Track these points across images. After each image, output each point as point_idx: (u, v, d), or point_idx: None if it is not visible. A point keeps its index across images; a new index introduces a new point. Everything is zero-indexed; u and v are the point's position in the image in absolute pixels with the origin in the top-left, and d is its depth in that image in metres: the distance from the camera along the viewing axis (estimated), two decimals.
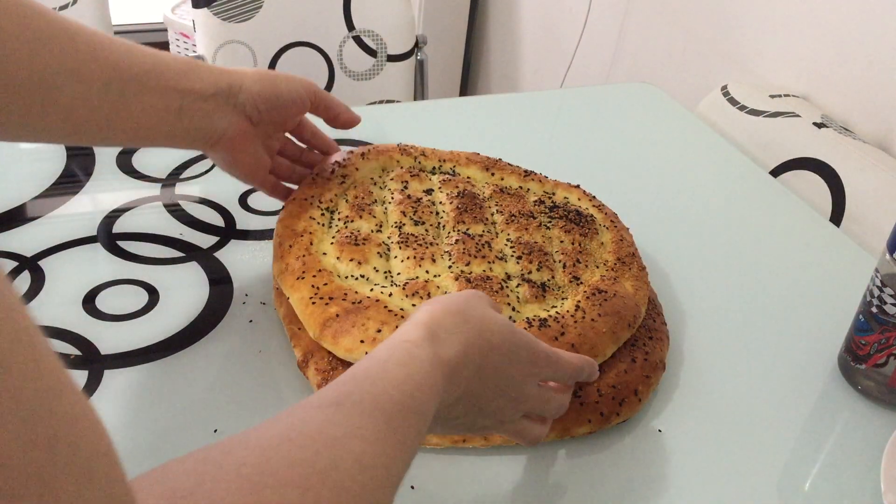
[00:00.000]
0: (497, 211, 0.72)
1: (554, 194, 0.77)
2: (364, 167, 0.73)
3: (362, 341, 0.56)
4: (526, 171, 0.78)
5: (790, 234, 0.88)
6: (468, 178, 0.77)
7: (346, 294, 0.59)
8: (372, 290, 0.60)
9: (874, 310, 0.62)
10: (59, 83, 0.53)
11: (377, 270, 0.63)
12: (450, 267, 0.63)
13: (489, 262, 0.64)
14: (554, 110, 1.11)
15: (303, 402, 0.38)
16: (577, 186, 0.78)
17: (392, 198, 0.71)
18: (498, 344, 0.47)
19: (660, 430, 0.61)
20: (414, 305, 0.59)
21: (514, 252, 0.66)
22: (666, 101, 1.14)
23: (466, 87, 2.49)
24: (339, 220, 0.67)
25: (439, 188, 0.73)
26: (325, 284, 0.60)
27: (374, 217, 0.68)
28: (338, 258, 0.63)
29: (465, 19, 2.32)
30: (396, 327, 0.56)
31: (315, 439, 0.34)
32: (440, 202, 0.71)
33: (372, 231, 0.66)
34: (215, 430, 0.57)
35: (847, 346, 0.67)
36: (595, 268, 0.67)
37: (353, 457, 0.35)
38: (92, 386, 0.59)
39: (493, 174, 0.78)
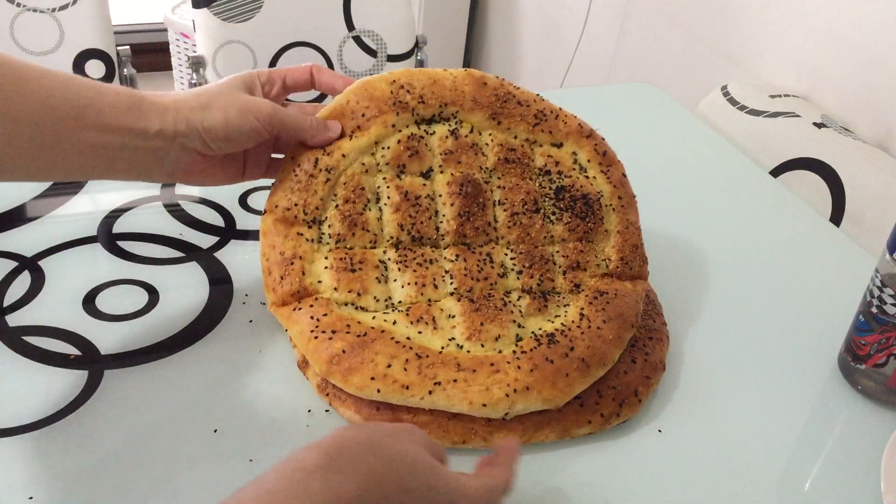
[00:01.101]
0: (499, 203, 0.66)
1: (562, 145, 0.69)
2: (352, 149, 0.64)
3: (373, 378, 0.55)
4: (536, 116, 0.68)
5: (790, 235, 0.88)
6: (471, 131, 0.67)
7: (348, 326, 0.58)
8: (374, 317, 0.59)
9: (874, 310, 0.62)
10: None
11: (377, 300, 0.60)
12: (452, 294, 0.62)
13: (492, 284, 0.62)
14: None
15: None
16: (590, 136, 0.70)
17: (388, 198, 0.64)
18: (411, 488, 0.40)
19: (660, 430, 0.61)
20: (420, 333, 0.58)
21: (514, 265, 0.64)
22: (666, 101, 1.14)
23: None
24: (329, 236, 0.62)
25: (440, 169, 0.66)
26: (325, 315, 0.58)
27: (368, 231, 0.63)
28: (335, 289, 0.60)
29: (465, 19, 2.32)
30: (406, 360, 0.56)
31: None
32: (440, 196, 0.65)
33: (367, 247, 0.63)
34: (215, 430, 0.57)
35: (847, 346, 0.67)
36: (596, 267, 0.66)
37: None
38: (92, 386, 0.59)
39: (499, 123, 0.68)
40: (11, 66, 0.51)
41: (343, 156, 0.63)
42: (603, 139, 0.71)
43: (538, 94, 0.71)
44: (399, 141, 0.65)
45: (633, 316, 0.63)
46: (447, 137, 0.66)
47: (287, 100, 0.68)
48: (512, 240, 0.65)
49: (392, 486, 0.40)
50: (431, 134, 0.66)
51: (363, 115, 0.64)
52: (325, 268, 0.61)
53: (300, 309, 0.59)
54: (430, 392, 0.55)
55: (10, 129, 0.50)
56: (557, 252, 0.66)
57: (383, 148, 0.65)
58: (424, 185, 0.65)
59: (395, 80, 0.65)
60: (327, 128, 0.63)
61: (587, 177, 0.69)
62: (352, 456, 0.39)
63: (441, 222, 0.65)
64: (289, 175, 0.63)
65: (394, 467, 0.40)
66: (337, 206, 0.63)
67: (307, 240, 0.62)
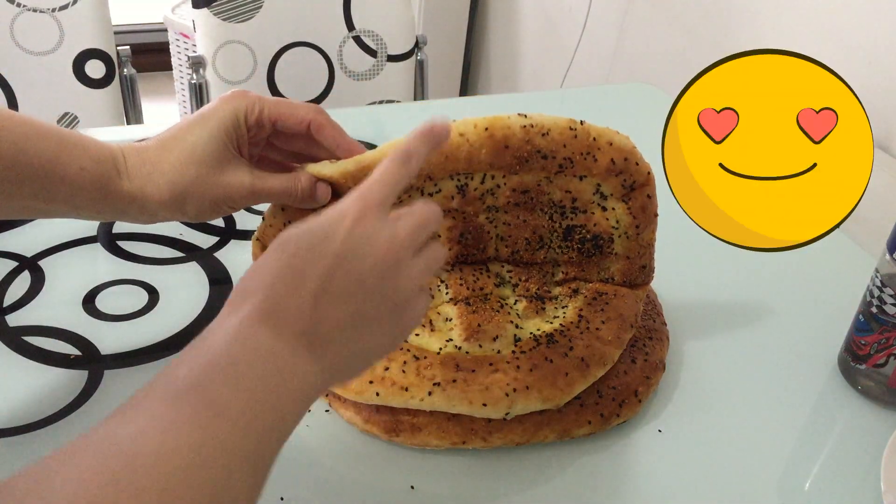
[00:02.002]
0: (501, 238, 0.63)
1: (585, 177, 0.61)
2: None
3: (371, 382, 0.55)
4: (561, 165, 0.60)
5: None
6: (481, 193, 0.61)
7: None
8: None
9: (874, 310, 0.62)
10: None
11: None
12: (447, 302, 0.62)
13: (487, 293, 0.62)
14: (554, 110, 1.11)
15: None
16: (620, 174, 0.61)
17: None
18: (294, 242, 0.40)
19: (660, 431, 0.61)
20: (417, 335, 0.58)
21: (511, 278, 0.64)
22: (666, 101, 1.14)
23: (466, 87, 2.49)
24: None
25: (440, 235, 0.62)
26: None
27: None
28: None
29: (465, 19, 2.32)
30: (404, 362, 0.56)
31: (101, 447, 0.32)
32: (438, 236, 0.62)
33: None
34: None
35: (847, 346, 0.67)
36: (597, 281, 0.65)
37: (150, 448, 0.31)
38: (92, 386, 0.59)
39: (516, 173, 0.61)
40: None
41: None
42: (637, 162, 0.61)
43: (573, 124, 0.60)
44: (401, 199, 0.60)
45: (632, 316, 0.63)
46: (453, 197, 0.60)
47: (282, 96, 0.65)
48: (511, 268, 0.64)
49: (283, 261, 0.39)
50: (437, 192, 0.60)
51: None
52: None
53: None
54: (429, 393, 0.55)
55: None
56: (558, 268, 0.65)
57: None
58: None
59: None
60: (314, 196, 0.57)
61: (605, 208, 0.62)
62: (239, 288, 0.40)
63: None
64: (279, 222, 0.60)
65: (275, 250, 0.40)
66: None
67: None
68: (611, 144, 0.60)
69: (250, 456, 0.34)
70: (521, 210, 0.62)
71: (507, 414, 0.56)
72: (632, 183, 0.62)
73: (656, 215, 0.65)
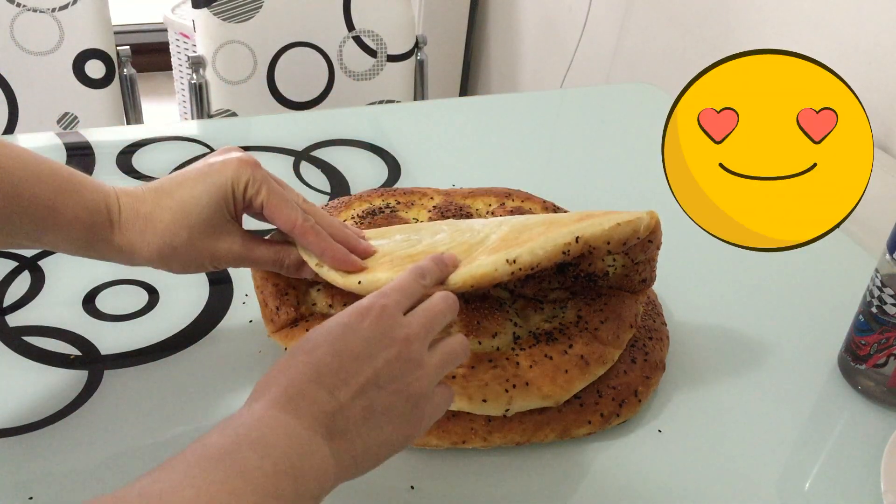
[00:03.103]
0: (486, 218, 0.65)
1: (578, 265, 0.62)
2: (345, 284, 0.58)
3: None
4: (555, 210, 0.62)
5: None
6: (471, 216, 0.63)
7: None
8: None
9: (874, 310, 0.62)
10: None
11: None
12: None
13: (484, 294, 0.62)
14: (554, 110, 1.11)
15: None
16: (626, 253, 0.61)
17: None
18: (315, 339, 0.43)
19: (660, 431, 0.61)
20: None
21: (506, 284, 0.64)
22: (666, 101, 1.14)
23: (466, 87, 2.49)
24: (320, 305, 0.62)
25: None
26: None
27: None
28: (330, 305, 0.61)
29: (465, 19, 2.32)
30: None
31: (142, 498, 0.34)
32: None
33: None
34: None
35: (847, 346, 0.67)
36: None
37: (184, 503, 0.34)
38: (92, 386, 0.59)
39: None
40: None
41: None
42: (638, 237, 0.58)
43: (567, 248, 0.54)
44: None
45: (631, 317, 0.63)
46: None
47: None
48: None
49: (302, 357, 0.42)
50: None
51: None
52: (318, 290, 0.62)
53: (297, 325, 0.60)
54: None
55: None
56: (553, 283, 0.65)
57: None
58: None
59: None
60: (301, 273, 0.59)
61: (603, 259, 0.63)
62: (262, 383, 0.42)
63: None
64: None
65: (295, 350, 0.43)
66: (319, 289, 0.63)
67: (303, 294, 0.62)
68: (608, 243, 0.56)
69: None
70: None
71: (506, 410, 0.56)
72: (632, 246, 0.60)
73: (658, 248, 0.63)
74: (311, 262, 0.57)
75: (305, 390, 0.41)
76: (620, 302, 0.63)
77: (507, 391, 0.55)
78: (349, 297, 0.60)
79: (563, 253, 0.54)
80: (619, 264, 0.63)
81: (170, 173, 0.82)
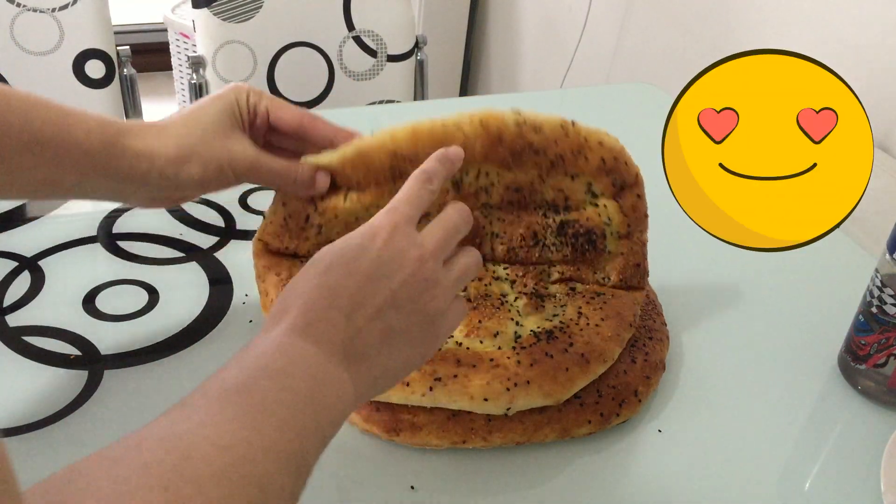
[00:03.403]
0: (496, 235, 0.63)
1: (577, 177, 0.62)
2: (345, 212, 0.59)
3: None
4: (553, 162, 0.61)
5: None
6: (475, 189, 0.61)
7: None
8: None
9: (874, 310, 0.62)
10: None
11: None
12: None
13: (486, 284, 0.63)
14: (554, 110, 1.11)
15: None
16: (611, 172, 0.62)
17: None
18: (329, 261, 0.42)
19: (660, 431, 0.61)
20: None
21: (507, 275, 0.64)
22: (666, 101, 1.14)
23: (466, 87, 2.49)
24: None
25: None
26: None
27: None
28: None
29: (465, 19, 2.32)
30: None
31: (164, 439, 0.34)
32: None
33: None
34: None
35: (847, 346, 0.67)
36: (593, 283, 0.66)
37: (207, 442, 0.33)
38: (92, 386, 0.59)
39: (509, 169, 0.61)
40: None
41: (335, 216, 0.60)
42: (626, 162, 0.63)
43: (565, 124, 0.62)
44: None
45: (630, 315, 0.63)
46: (448, 191, 0.60)
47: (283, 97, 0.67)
48: (507, 265, 0.65)
49: (315, 279, 0.42)
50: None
51: (358, 184, 0.59)
52: None
53: None
54: (430, 388, 0.55)
55: None
56: (553, 268, 0.66)
57: (377, 207, 0.58)
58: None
59: (396, 153, 0.57)
60: (314, 184, 0.58)
61: (596, 205, 0.64)
62: (277, 306, 0.42)
63: None
64: (279, 218, 0.61)
65: (307, 272, 0.42)
66: None
67: (301, 263, 0.62)
68: (601, 144, 0.61)
69: (293, 457, 0.36)
70: (515, 207, 0.62)
71: (507, 409, 0.56)
72: (622, 182, 0.63)
73: (646, 216, 0.66)
74: (325, 158, 0.57)
75: (322, 315, 0.40)
76: (620, 301, 0.63)
77: (508, 390, 0.55)
78: None
79: (561, 127, 0.60)
80: (614, 223, 0.64)
81: None
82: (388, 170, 0.58)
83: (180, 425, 0.34)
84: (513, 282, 0.64)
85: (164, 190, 0.55)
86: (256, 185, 0.83)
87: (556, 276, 0.65)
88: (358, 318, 0.41)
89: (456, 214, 0.47)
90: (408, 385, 0.55)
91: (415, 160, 0.56)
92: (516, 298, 0.62)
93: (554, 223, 0.63)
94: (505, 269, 0.65)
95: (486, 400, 0.55)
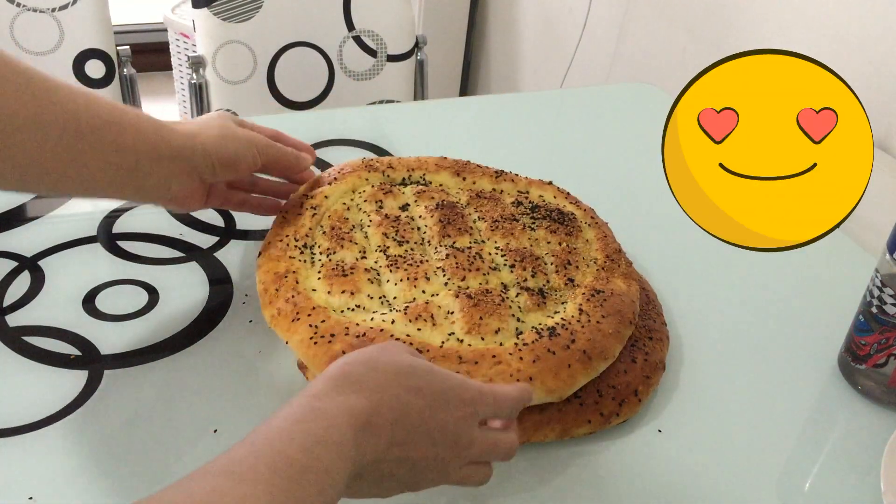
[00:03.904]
0: (479, 218, 0.70)
1: (528, 193, 0.76)
2: (333, 193, 0.71)
3: None
4: (497, 172, 0.77)
5: None
6: (441, 185, 0.75)
7: (347, 328, 0.57)
8: (373, 318, 0.59)
9: (874, 310, 0.62)
10: (14, 128, 0.50)
11: (371, 297, 0.61)
12: (446, 284, 0.62)
13: (484, 275, 0.63)
14: (554, 110, 1.11)
15: (199, 469, 0.36)
16: (550, 183, 0.78)
17: (370, 220, 0.69)
18: (419, 387, 0.44)
19: (660, 431, 0.61)
20: (419, 330, 0.58)
21: (505, 260, 0.65)
22: (666, 102, 1.14)
23: (466, 87, 2.49)
24: (320, 253, 0.65)
25: (415, 201, 0.71)
26: (323, 322, 0.58)
27: (356, 244, 0.66)
28: (328, 292, 0.61)
29: (465, 19, 2.32)
30: None
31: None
32: (419, 216, 0.70)
33: (357, 259, 0.64)
34: (215, 431, 0.57)
35: (847, 346, 0.67)
36: (586, 267, 0.67)
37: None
38: (92, 386, 0.59)
39: (464, 178, 0.76)
40: (42, 78, 0.52)
41: (326, 197, 0.70)
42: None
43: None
44: (373, 186, 0.73)
45: (630, 313, 0.63)
46: (418, 190, 0.73)
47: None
48: (498, 240, 0.68)
49: (401, 390, 0.43)
50: (402, 193, 0.73)
51: (340, 171, 0.74)
52: (318, 278, 0.62)
53: (298, 319, 0.59)
54: None
55: (38, 136, 0.51)
56: (546, 254, 0.68)
57: (361, 192, 0.72)
58: (403, 211, 0.71)
59: (363, 158, 0.76)
60: (302, 157, 0.70)
61: (558, 205, 0.75)
62: (356, 376, 0.42)
63: (424, 232, 0.68)
64: (278, 220, 0.69)
65: (398, 374, 0.43)
66: (324, 231, 0.67)
67: (300, 261, 0.64)
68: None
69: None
70: (486, 202, 0.73)
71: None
72: (567, 192, 0.78)
73: (606, 224, 0.76)
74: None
75: (378, 426, 0.41)
76: (619, 299, 0.63)
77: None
78: (347, 282, 0.61)
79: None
80: (578, 213, 0.74)
81: None
82: (360, 162, 0.75)
83: (219, 500, 0.34)
84: (511, 266, 0.64)
85: (201, 173, 0.61)
86: None
87: (551, 260, 0.67)
88: (393, 451, 0.42)
89: (506, 443, 0.49)
90: None
91: (379, 161, 0.76)
92: (518, 294, 0.62)
93: (526, 208, 0.73)
94: (502, 255, 0.66)
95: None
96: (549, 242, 0.69)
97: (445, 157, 0.78)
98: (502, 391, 0.49)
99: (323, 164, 0.92)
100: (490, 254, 0.66)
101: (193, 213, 0.79)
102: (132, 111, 0.58)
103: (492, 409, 0.48)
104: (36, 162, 0.52)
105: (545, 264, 0.66)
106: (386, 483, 0.44)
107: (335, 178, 0.72)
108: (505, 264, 0.65)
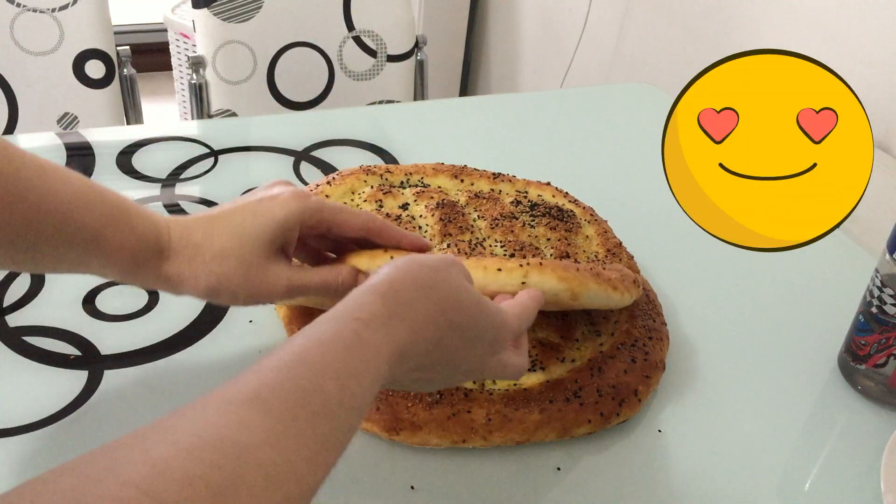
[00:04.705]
0: (479, 217, 0.71)
1: (527, 193, 0.77)
2: (333, 193, 0.71)
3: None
4: (494, 174, 0.78)
5: None
6: (439, 187, 0.76)
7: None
8: None
9: (874, 310, 0.62)
10: None
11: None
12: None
13: (479, 254, 0.65)
14: (554, 110, 1.11)
15: (214, 392, 0.33)
16: (548, 184, 0.79)
17: None
18: (461, 323, 0.43)
19: (660, 431, 0.61)
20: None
21: (506, 252, 0.66)
22: (666, 102, 1.14)
23: (466, 87, 2.49)
24: None
25: (415, 201, 0.71)
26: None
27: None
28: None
29: (465, 19, 2.32)
30: None
31: (218, 448, 0.29)
32: (420, 215, 0.70)
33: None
34: None
35: (847, 346, 0.67)
36: (586, 261, 0.68)
37: (262, 471, 0.30)
38: (92, 386, 0.59)
39: (462, 181, 0.77)
40: (18, 174, 0.46)
41: (326, 196, 0.70)
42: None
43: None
44: (372, 187, 0.73)
45: (631, 276, 0.63)
46: (417, 190, 0.73)
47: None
48: (498, 237, 0.68)
49: (443, 323, 0.42)
50: (402, 193, 0.73)
51: (339, 174, 0.74)
52: None
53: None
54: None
55: (7, 237, 0.47)
56: (546, 248, 0.69)
57: (360, 192, 0.72)
58: (403, 210, 0.71)
59: (361, 165, 0.76)
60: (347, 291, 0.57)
61: (557, 203, 0.76)
62: (406, 301, 0.41)
63: (425, 231, 0.68)
64: None
65: (444, 306, 0.42)
66: None
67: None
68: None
69: (318, 484, 0.34)
70: (485, 202, 0.73)
71: (522, 283, 0.55)
72: (565, 192, 0.78)
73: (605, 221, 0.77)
74: (376, 262, 0.54)
75: (411, 356, 0.41)
76: (622, 270, 0.64)
77: (521, 266, 0.55)
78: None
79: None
80: (577, 211, 0.75)
81: (171, 174, 0.82)
82: (358, 168, 0.75)
83: (243, 435, 0.31)
84: (512, 254, 0.66)
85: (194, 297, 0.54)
86: (253, 186, 0.83)
87: (551, 252, 0.68)
88: (416, 373, 0.43)
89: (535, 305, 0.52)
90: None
91: (377, 167, 0.76)
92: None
93: (525, 206, 0.73)
94: (503, 247, 0.67)
95: (499, 270, 0.55)
96: (548, 239, 0.70)
97: (442, 163, 0.78)
98: (521, 313, 0.50)
99: (323, 165, 0.92)
100: (490, 246, 0.67)
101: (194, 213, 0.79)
102: (122, 237, 0.50)
103: (512, 335, 0.49)
104: (3, 253, 0.48)
105: (546, 256, 0.67)
106: (399, 387, 0.46)
107: (334, 179, 0.73)
108: (505, 253, 0.66)
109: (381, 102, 1.44)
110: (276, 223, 0.51)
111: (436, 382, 0.47)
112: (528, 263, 0.56)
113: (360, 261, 0.55)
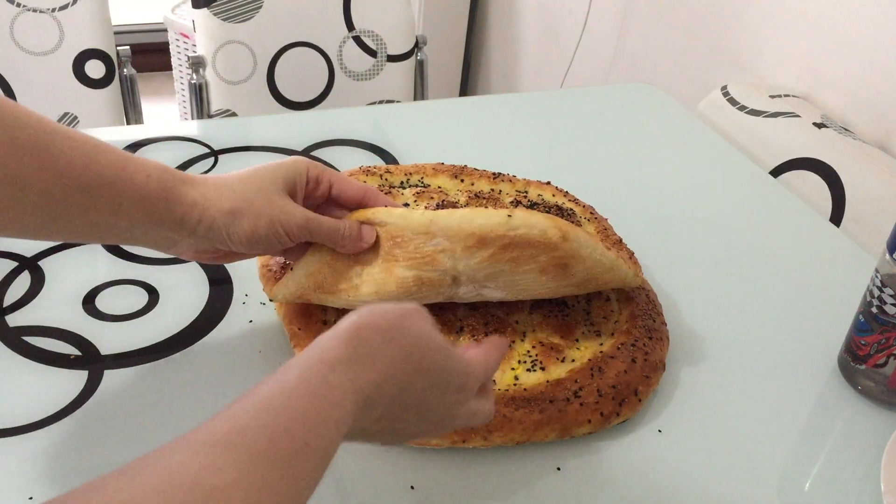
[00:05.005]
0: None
1: (527, 193, 0.77)
2: None
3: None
4: (495, 174, 0.78)
5: (790, 234, 0.88)
6: (439, 187, 0.76)
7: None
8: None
9: (874, 310, 0.62)
10: None
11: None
12: None
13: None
14: (554, 110, 1.11)
15: (187, 435, 0.33)
16: (548, 183, 0.78)
17: None
18: (428, 368, 0.43)
19: (660, 431, 0.61)
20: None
21: None
22: (666, 101, 1.14)
23: (466, 87, 2.49)
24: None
25: (414, 201, 0.71)
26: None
27: None
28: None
29: (465, 19, 2.32)
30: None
31: (190, 491, 0.30)
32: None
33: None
34: None
35: (847, 347, 0.67)
36: None
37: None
38: (92, 386, 0.60)
39: (462, 181, 0.77)
40: (35, 129, 0.48)
41: None
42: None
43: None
44: (389, 191, 0.72)
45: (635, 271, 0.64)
46: (417, 191, 0.72)
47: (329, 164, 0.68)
48: None
49: (409, 368, 0.42)
50: (402, 193, 0.72)
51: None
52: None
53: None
54: (430, 221, 0.56)
55: (16, 193, 0.47)
56: None
57: None
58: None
59: (360, 166, 0.77)
60: (360, 237, 0.58)
61: (557, 202, 0.76)
62: (372, 345, 0.40)
63: None
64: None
65: (411, 352, 0.42)
66: None
67: None
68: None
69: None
70: (485, 201, 0.72)
71: (509, 216, 0.55)
72: (565, 191, 0.78)
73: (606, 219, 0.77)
74: (378, 216, 0.58)
75: (377, 401, 0.41)
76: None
77: (510, 216, 0.56)
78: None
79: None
80: (577, 209, 0.75)
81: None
82: (358, 169, 0.75)
83: (214, 478, 0.31)
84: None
85: (212, 242, 0.55)
86: None
87: None
88: (384, 421, 0.42)
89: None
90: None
91: (377, 167, 0.76)
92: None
93: (524, 206, 0.72)
94: None
95: (486, 209, 0.56)
96: None
97: (442, 163, 0.79)
98: (486, 360, 0.49)
99: (323, 165, 0.92)
100: None
101: None
102: (140, 172, 0.52)
103: (478, 383, 0.48)
104: (15, 216, 0.48)
105: None
106: (366, 441, 0.44)
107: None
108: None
109: (381, 102, 1.44)
110: (285, 167, 0.57)
111: (405, 433, 0.45)
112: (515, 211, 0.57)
113: (361, 214, 0.59)
